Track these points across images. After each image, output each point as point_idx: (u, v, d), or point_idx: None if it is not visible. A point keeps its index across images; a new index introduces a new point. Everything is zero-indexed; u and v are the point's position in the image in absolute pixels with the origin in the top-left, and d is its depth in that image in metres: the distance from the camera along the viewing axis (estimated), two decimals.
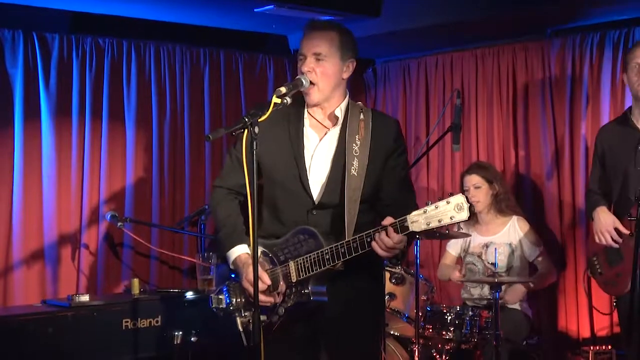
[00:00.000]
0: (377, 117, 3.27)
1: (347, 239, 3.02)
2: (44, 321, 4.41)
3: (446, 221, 2.86)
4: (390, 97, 6.50)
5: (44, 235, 5.18)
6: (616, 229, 4.21)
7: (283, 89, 3.06)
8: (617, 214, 4.29)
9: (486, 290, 5.02)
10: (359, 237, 3.00)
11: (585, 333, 5.34)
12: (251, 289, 2.99)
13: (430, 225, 2.88)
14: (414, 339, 4.75)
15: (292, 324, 3.16)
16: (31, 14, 5.00)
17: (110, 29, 5.40)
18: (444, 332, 4.86)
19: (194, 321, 4.74)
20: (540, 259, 5.14)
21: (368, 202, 3.19)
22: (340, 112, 3.24)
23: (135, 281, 4.92)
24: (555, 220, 5.51)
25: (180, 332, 4.64)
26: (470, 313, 4.82)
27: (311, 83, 3.17)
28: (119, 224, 5.21)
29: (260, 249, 3.16)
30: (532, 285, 5.05)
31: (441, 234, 4.70)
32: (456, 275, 5.15)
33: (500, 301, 4.65)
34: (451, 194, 2.86)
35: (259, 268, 2.98)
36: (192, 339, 4.67)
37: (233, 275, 3.23)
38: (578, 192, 5.36)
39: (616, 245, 4.22)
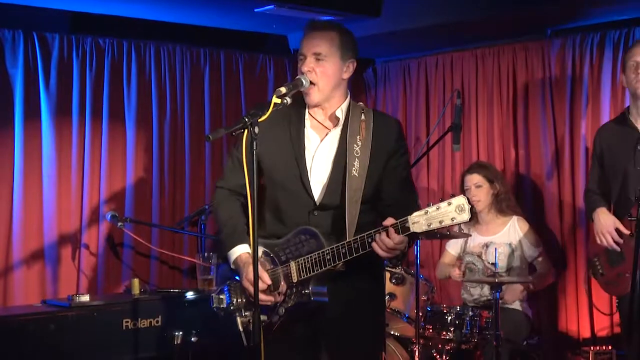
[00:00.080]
0: (378, 118, 3.26)
1: (348, 240, 3.02)
2: (44, 321, 4.40)
3: (447, 222, 2.85)
4: (390, 97, 6.50)
5: (44, 235, 5.18)
6: (617, 230, 4.21)
7: (283, 89, 3.06)
8: (616, 214, 4.28)
9: (486, 290, 5.02)
10: (359, 237, 2.99)
11: (586, 333, 5.34)
12: (251, 289, 2.99)
13: (431, 226, 2.87)
14: (414, 339, 4.76)
15: (293, 324, 3.16)
16: (31, 14, 5.00)
17: (110, 29, 5.40)
18: (444, 332, 4.86)
19: (194, 321, 4.73)
20: (540, 259, 5.15)
21: (369, 202, 3.18)
22: (341, 113, 3.24)
23: (136, 281, 4.92)
24: (555, 220, 5.51)
25: (181, 332, 4.64)
26: (471, 313, 4.82)
27: (311, 83, 3.17)
28: (119, 224, 5.21)
29: (261, 249, 3.16)
30: (531, 286, 5.05)
31: (442, 234, 4.69)
32: (456, 272, 5.15)
33: (500, 301, 4.65)
34: (453, 195, 2.86)
35: (259, 267, 2.98)
36: (193, 339, 4.67)
37: (237, 278, 3.22)
38: (578, 192, 5.35)
39: (617, 248, 4.22)
